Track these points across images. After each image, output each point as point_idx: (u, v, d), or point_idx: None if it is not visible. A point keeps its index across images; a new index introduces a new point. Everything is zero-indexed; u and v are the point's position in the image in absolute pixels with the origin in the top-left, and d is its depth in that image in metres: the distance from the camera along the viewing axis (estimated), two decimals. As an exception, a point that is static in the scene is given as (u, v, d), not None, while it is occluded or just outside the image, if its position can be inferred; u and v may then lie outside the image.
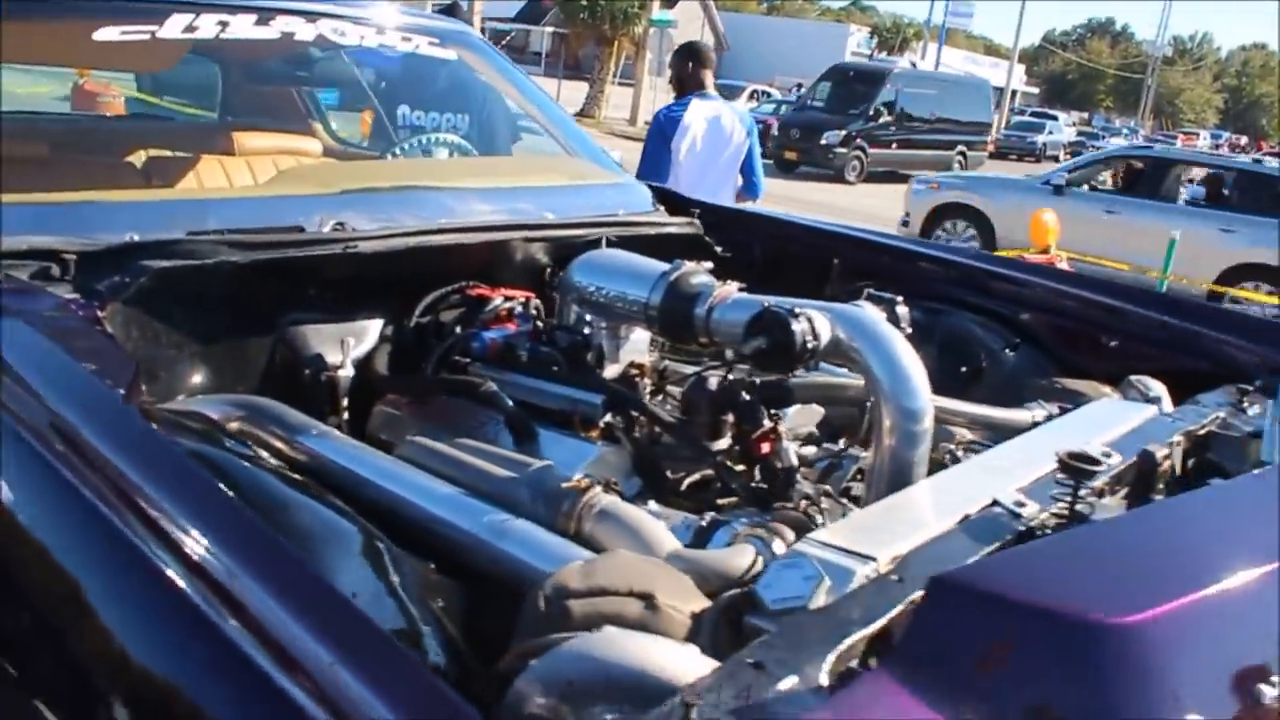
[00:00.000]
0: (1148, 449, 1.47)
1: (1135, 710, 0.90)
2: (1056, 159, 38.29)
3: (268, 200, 2.21)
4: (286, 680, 0.89)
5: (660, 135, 4.94)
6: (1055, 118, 43.31)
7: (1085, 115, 64.92)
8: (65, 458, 1.18)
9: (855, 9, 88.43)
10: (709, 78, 5.13)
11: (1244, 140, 60.60)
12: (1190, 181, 12.00)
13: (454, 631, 1.26)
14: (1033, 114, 45.52)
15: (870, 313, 1.70)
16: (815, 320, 1.61)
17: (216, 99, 4.14)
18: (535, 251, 2.32)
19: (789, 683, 0.95)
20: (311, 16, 2.75)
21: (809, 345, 1.59)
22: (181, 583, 1.00)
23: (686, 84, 5.11)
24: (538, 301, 2.17)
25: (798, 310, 1.62)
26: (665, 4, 36.44)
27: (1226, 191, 11.36)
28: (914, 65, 25.39)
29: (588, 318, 2.05)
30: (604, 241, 2.24)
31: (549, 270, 2.33)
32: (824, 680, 0.97)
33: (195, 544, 1.02)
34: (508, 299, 2.10)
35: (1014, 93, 55.68)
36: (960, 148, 24.51)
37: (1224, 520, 1.21)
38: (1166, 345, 2.26)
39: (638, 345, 2.08)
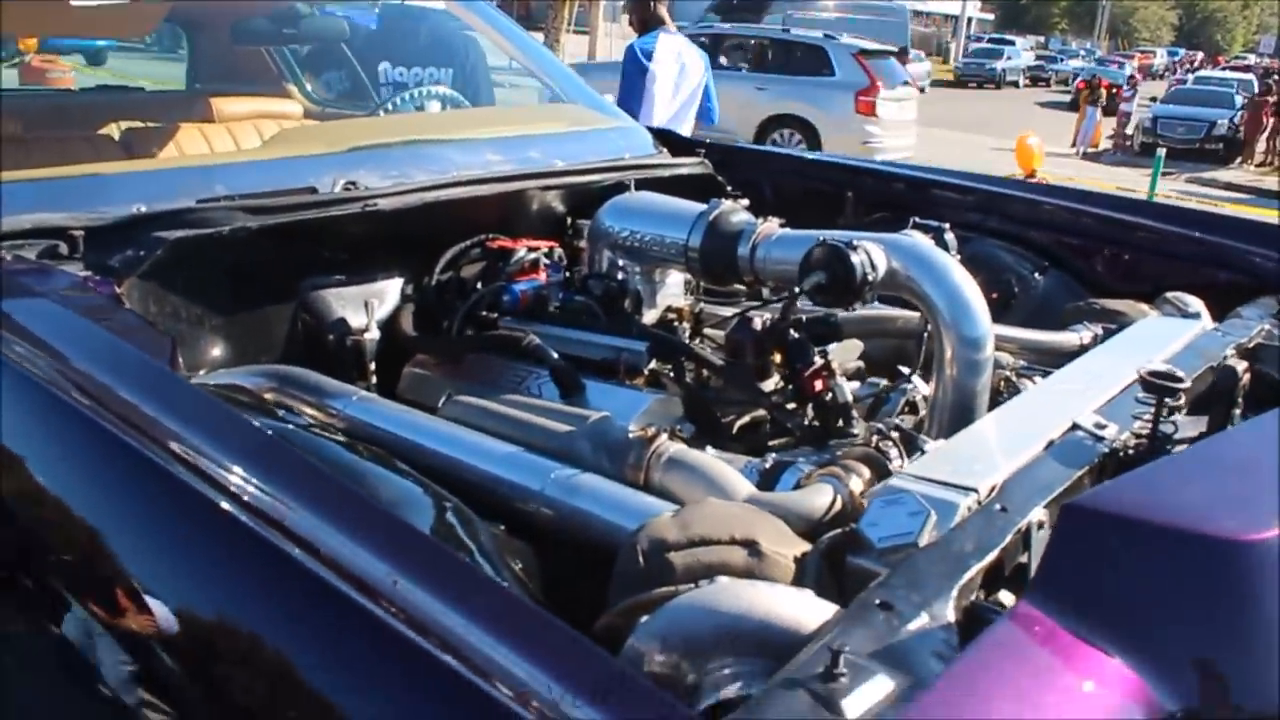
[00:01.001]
0: (1228, 364, 1.44)
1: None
2: (1016, 84, 38.32)
3: (275, 162, 2.13)
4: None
5: (637, 67, 5.14)
6: (1013, 43, 43.14)
7: (1042, 39, 64.71)
8: (125, 432, 1.12)
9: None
10: (666, 14, 5.39)
11: (1199, 56, 60.69)
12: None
13: (537, 594, 1.22)
14: (990, 40, 45.37)
15: (923, 241, 1.65)
16: (872, 252, 1.57)
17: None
18: (552, 200, 2.26)
19: (920, 622, 0.92)
20: (295, -30, 2.65)
21: (868, 277, 1.55)
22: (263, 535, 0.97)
23: (649, 22, 5.34)
24: (560, 251, 2.11)
25: (855, 242, 1.57)
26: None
27: (768, 57, 13.45)
28: None
29: (621, 263, 1.99)
30: (633, 185, 2.18)
31: (567, 218, 2.27)
32: (951, 617, 0.94)
33: (278, 506, 0.99)
34: (531, 250, 2.04)
35: (970, 20, 55.48)
36: None
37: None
38: (1192, 259, 2.24)
39: (673, 289, 2.02)
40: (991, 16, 67.60)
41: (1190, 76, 30.25)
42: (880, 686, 0.82)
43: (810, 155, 2.91)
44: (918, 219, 1.80)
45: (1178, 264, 2.22)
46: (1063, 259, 2.35)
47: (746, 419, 1.74)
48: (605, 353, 1.79)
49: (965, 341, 1.57)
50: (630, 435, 1.43)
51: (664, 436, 1.42)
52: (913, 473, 1.21)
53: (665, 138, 2.89)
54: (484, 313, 1.94)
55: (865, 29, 22.60)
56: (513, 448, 1.47)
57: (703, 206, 1.87)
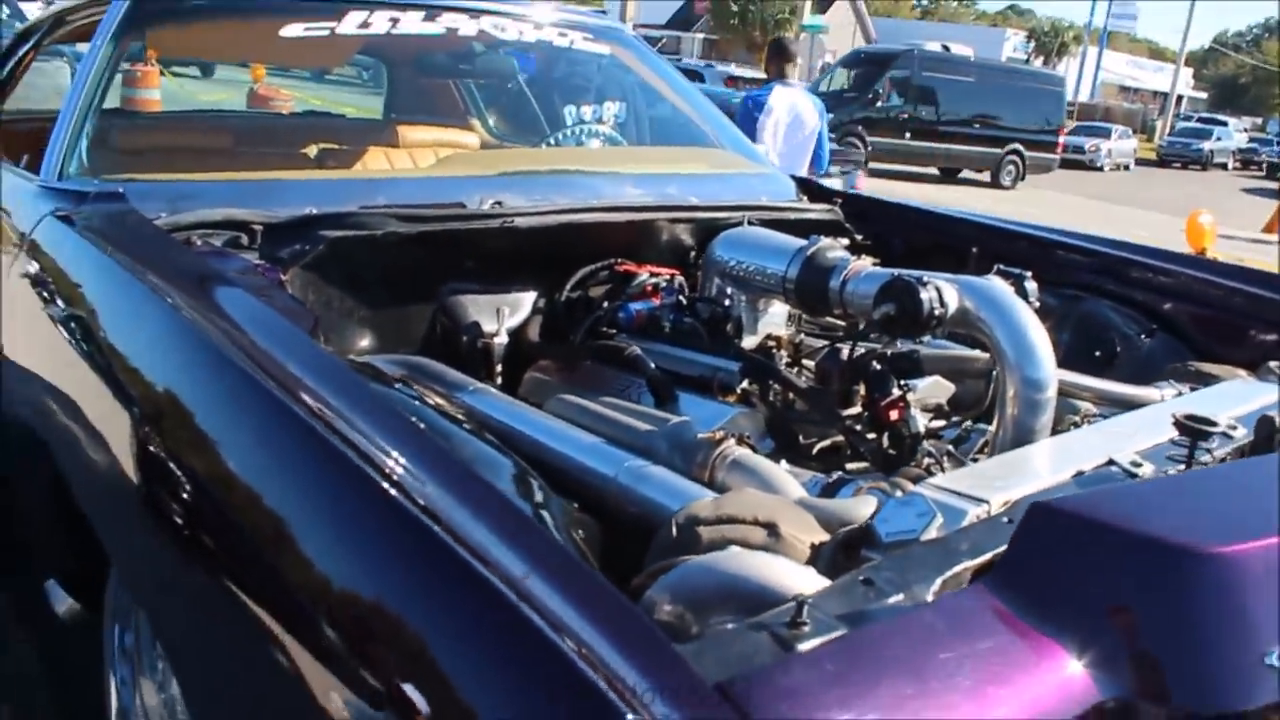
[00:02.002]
0: (1267, 414, 1.50)
1: (1220, 637, 0.96)
2: (1225, 166, 36.69)
3: (432, 180, 2.39)
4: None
5: (748, 116, 5.56)
6: (1224, 123, 41.32)
7: (1259, 120, 61.80)
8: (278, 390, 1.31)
9: (1012, 13, 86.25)
10: (790, 69, 5.86)
11: None
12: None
13: (592, 560, 1.38)
14: (1200, 119, 43.64)
15: (998, 284, 1.76)
16: (943, 289, 1.69)
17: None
18: (680, 232, 2.44)
19: (895, 599, 1.04)
20: (475, 14, 2.94)
21: (935, 312, 1.67)
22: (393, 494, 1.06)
23: (771, 74, 5.88)
24: (681, 279, 2.28)
25: (926, 279, 1.70)
26: (817, 9, 36.35)
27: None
28: (946, 49, 22.34)
29: (729, 291, 2.15)
30: (746, 221, 2.34)
31: (693, 250, 2.44)
32: (927, 599, 1.06)
33: (394, 463, 1.10)
34: (653, 275, 2.22)
35: (1180, 98, 53.53)
36: (1013, 147, 21.10)
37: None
38: None
39: (775, 319, 2.17)
40: (1205, 95, 65.00)
41: None
42: (835, 637, 0.95)
43: (943, 211, 3.00)
44: (1002, 265, 1.90)
45: None
46: (1175, 324, 2.38)
47: (827, 443, 1.86)
48: (703, 370, 1.95)
49: (1028, 382, 1.66)
50: (700, 437, 1.58)
51: (731, 441, 1.57)
52: (936, 483, 1.32)
53: (807, 187, 3.03)
54: (603, 329, 2.13)
55: (1011, 97, 21.40)
56: (597, 440, 1.65)
57: (804, 242, 2.01)
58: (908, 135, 19.63)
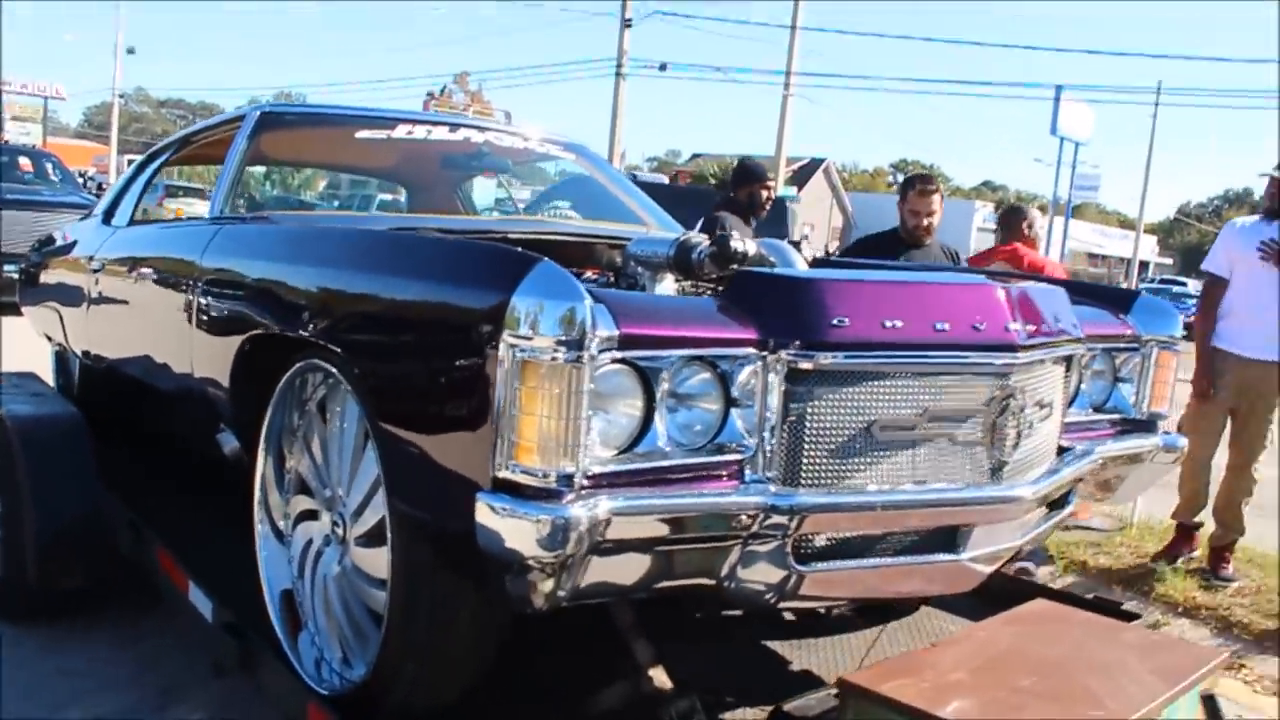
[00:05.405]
0: None
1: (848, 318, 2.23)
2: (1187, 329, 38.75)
3: (460, 219, 3.73)
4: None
5: None
6: (1184, 283, 43.76)
7: (1223, 285, 64.40)
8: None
9: (986, 189, 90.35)
10: None
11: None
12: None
13: None
14: (1161, 281, 46.03)
15: (780, 242, 3.07)
16: (746, 241, 2.99)
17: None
18: (614, 255, 3.76)
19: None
20: (481, 129, 4.35)
21: (739, 250, 2.96)
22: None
23: None
24: (612, 276, 3.58)
25: (736, 234, 3.00)
26: (792, 183, 38.75)
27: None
28: None
29: (638, 270, 3.45)
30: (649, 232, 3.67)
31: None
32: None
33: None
34: (593, 271, 3.52)
35: (1144, 263, 56.10)
36: None
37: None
38: None
39: (668, 287, 3.46)
40: (1170, 261, 67.82)
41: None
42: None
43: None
44: (791, 238, 3.20)
45: None
46: None
47: None
48: None
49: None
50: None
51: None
52: None
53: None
54: None
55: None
56: None
57: (679, 235, 3.32)
58: None
